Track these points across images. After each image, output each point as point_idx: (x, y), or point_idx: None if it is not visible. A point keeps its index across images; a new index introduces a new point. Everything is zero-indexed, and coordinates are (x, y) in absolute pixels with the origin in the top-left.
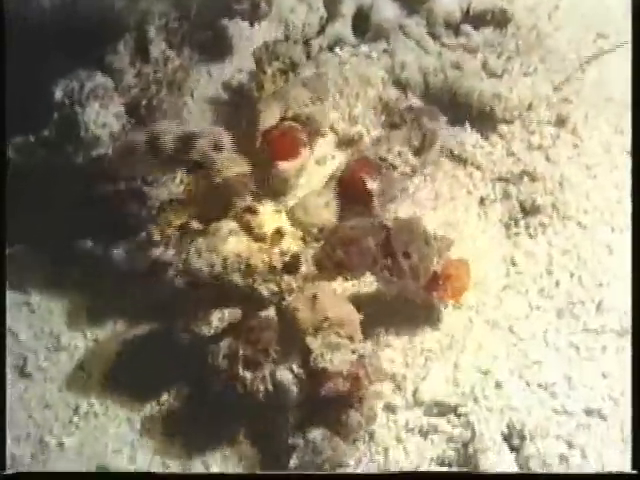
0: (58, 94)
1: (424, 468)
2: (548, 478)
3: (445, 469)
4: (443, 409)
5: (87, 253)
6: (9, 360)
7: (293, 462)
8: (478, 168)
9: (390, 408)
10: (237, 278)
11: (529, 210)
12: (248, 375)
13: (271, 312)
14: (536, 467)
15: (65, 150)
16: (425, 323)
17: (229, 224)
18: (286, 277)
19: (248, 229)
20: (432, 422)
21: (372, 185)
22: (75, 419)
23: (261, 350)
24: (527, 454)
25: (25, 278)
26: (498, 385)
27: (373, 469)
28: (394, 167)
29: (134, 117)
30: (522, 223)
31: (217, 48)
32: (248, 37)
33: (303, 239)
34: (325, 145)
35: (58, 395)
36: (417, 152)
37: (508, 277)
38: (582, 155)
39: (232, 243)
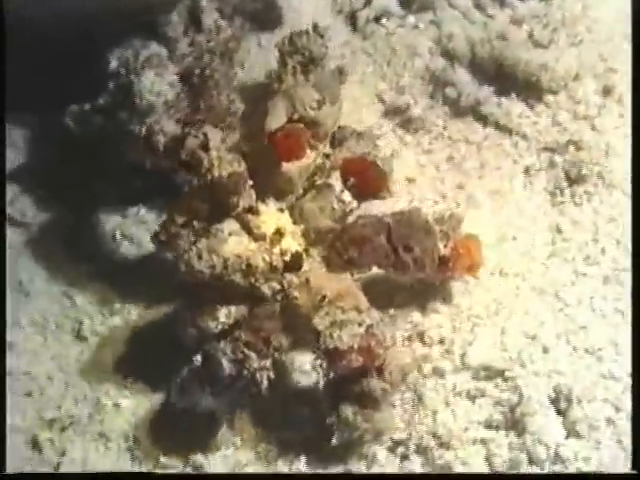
0: (113, 63)
1: (472, 431)
2: (548, 478)
3: (493, 432)
4: (491, 373)
5: (140, 219)
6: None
7: (335, 441)
8: (524, 138)
9: (438, 372)
10: (238, 278)
11: (575, 179)
12: (253, 361)
13: (276, 305)
14: (583, 430)
15: (120, 118)
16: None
17: (230, 225)
18: (288, 276)
19: (249, 229)
20: (480, 386)
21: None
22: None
23: (263, 338)
24: (574, 418)
25: None
26: (545, 350)
27: (422, 431)
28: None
29: (187, 86)
30: (567, 192)
31: (267, 18)
32: (296, 9)
33: (306, 237)
34: (372, 114)
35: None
36: None
37: (554, 245)
38: (628, 124)
39: (232, 244)
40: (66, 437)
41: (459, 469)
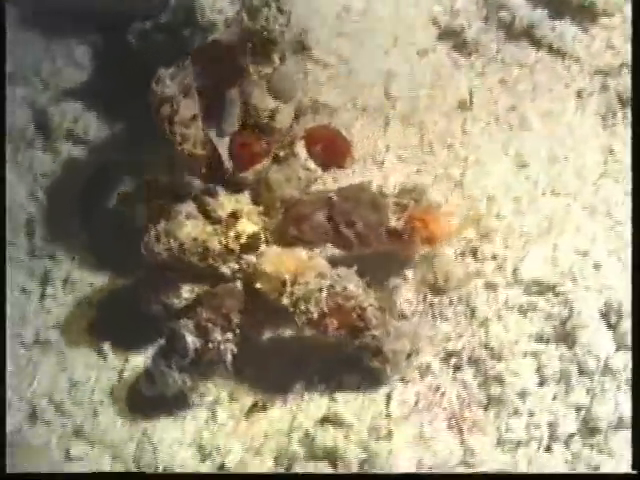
0: None
1: (523, 344)
2: (548, 478)
3: (543, 345)
4: (542, 288)
5: None
6: None
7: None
8: (577, 61)
9: (491, 286)
10: (196, 260)
11: (627, 102)
12: (217, 334)
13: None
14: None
15: (182, 35)
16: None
17: (188, 207)
18: (245, 256)
19: (205, 213)
20: (531, 300)
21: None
22: None
23: (223, 315)
24: (623, 331)
25: None
26: (596, 265)
27: (474, 343)
28: None
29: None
30: (620, 115)
31: None
32: None
33: (266, 215)
34: (427, 38)
35: None
36: None
37: (605, 165)
38: None
39: (189, 227)
40: None
41: (510, 380)
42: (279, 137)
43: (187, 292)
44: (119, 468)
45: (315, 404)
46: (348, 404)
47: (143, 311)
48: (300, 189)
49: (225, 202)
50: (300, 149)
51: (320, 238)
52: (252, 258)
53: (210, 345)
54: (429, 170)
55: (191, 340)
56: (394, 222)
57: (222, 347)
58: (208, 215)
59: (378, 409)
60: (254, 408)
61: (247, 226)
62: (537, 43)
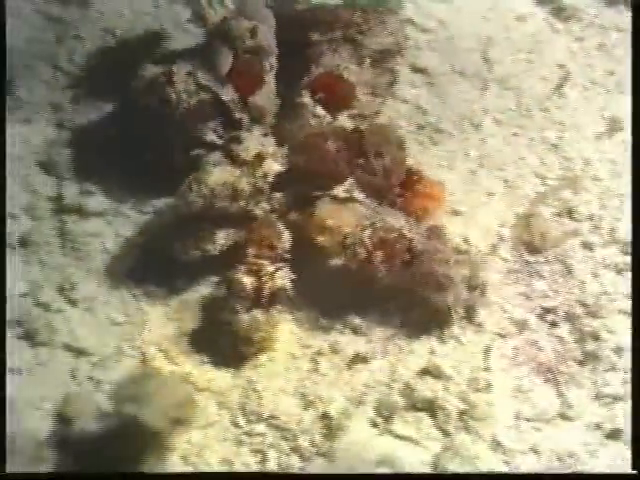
0: None
1: (619, 302)
2: (548, 478)
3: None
4: None
5: None
6: None
7: None
8: None
9: (587, 246)
10: (228, 204)
11: None
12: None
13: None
14: None
15: None
16: None
17: (215, 156)
18: (277, 194)
19: (232, 158)
20: (627, 260)
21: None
22: None
23: (268, 246)
24: None
25: None
26: None
27: (571, 300)
28: None
29: None
30: None
31: None
32: None
33: (289, 158)
34: (525, 3)
35: None
36: None
37: None
38: None
39: (217, 173)
40: None
41: (605, 337)
42: (269, 50)
43: (222, 238)
44: (225, 414)
45: (414, 356)
46: (447, 357)
47: (177, 258)
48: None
49: (250, 145)
50: (306, 98)
51: (331, 169)
52: (284, 197)
53: (264, 279)
54: (525, 133)
55: (246, 280)
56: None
57: (277, 278)
58: (235, 159)
59: (477, 362)
60: (355, 359)
61: (273, 165)
62: (637, 8)
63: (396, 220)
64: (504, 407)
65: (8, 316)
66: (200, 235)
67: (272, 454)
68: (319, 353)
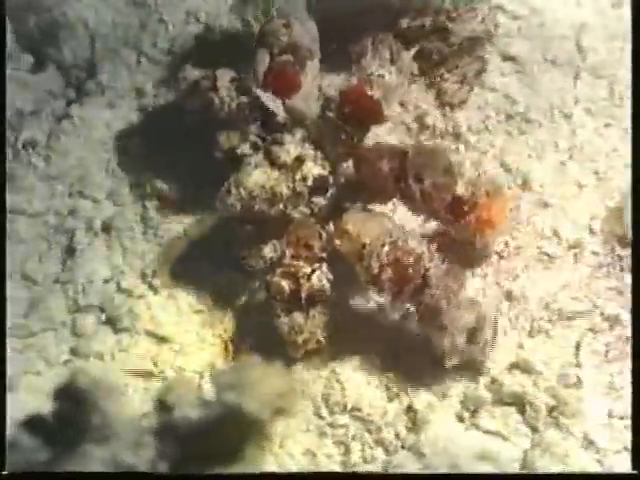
0: None
1: None
2: (548, 478)
3: None
4: None
5: None
6: None
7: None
8: None
9: None
10: (267, 208)
11: None
12: (305, 268)
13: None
14: None
15: None
16: None
17: (256, 158)
18: (315, 199)
19: (271, 160)
20: None
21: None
22: None
23: (305, 245)
24: None
25: None
26: None
27: None
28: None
29: None
30: None
31: None
32: None
33: (330, 162)
34: None
35: None
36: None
37: None
38: None
39: (256, 175)
40: None
41: None
42: (307, 52)
43: (270, 251)
44: (308, 405)
45: (502, 350)
46: (536, 351)
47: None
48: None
49: (290, 148)
50: (333, 112)
51: (380, 187)
52: (323, 201)
53: (302, 281)
54: (618, 124)
55: (285, 283)
56: (461, 190)
57: (315, 277)
58: (274, 162)
59: (567, 358)
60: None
61: (313, 168)
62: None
63: (419, 246)
64: (596, 404)
65: (91, 301)
66: (246, 253)
67: (355, 446)
68: None
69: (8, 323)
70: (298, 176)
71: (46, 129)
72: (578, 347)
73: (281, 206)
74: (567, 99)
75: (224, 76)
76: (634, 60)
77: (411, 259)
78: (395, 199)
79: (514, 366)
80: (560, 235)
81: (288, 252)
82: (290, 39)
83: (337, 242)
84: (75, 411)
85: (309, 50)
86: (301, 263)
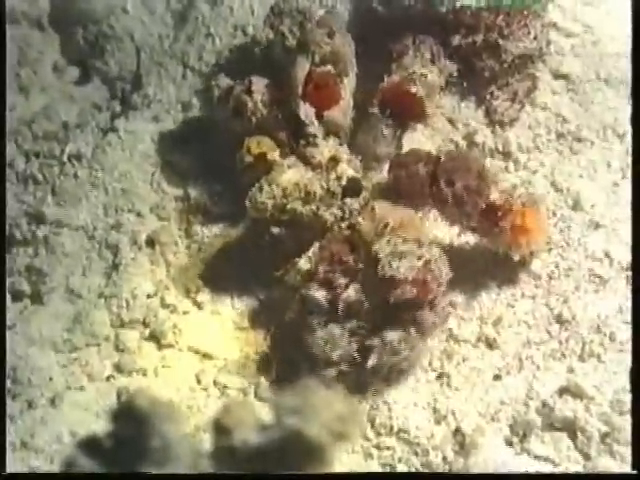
0: None
1: None
2: (548, 478)
3: None
4: None
5: None
6: None
7: (371, 362)
8: None
9: None
10: (299, 207)
11: None
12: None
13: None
14: None
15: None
16: None
17: (290, 160)
18: (348, 201)
19: (306, 160)
20: None
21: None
22: None
23: (338, 261)
24: None
25: None
26: None
27: None
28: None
29: None
30: None
31: None
32: None
33: (364, 166)
34: None
35: None
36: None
37: None
38: None
39: (290, 174)
40: None
41: None
42: (346, 65)
43: (305, 263)
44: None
45: (552, 374)
46: (587, 375)
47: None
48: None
49: (325, 150)
50: (376, 108)
51: (415, 191)
52: (355, 204)
53: (339, 290)
54: None
55: (320, 295)
56: (495, 195)
57: (350, 289)
58: (308, 162)
59: (620, 383)
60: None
61: (347, 170)
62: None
63: (446, 276)
64: None
65: (135, 315)
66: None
67: (402, 468)
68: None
69: (53, 337)
70: (332, 176)
71: (91, 142)
72: (632, 372)
73: (313, 206)
74: (620, 118)
75: (259, 82)
76: (634, 62)
77: (435, 286)
78: (429, 206)
79: (565, 390)
80: (612, 257)
81: (322, 268)
82: (333, 48)
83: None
84: (134, 433)
85: (350, 62)
86: (337, 275)
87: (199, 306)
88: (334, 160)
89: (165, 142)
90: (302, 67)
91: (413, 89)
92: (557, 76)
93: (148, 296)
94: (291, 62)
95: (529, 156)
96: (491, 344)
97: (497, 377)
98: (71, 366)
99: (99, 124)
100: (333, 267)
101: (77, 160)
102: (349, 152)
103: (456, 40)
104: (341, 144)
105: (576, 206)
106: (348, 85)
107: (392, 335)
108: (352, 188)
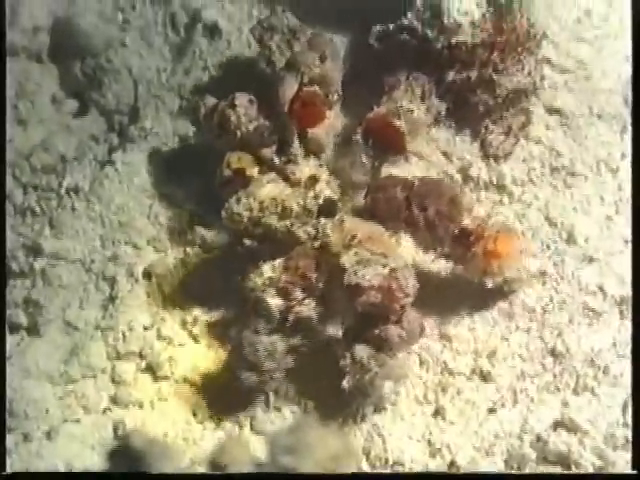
0: None
1: None
2: (548, 478)
3: None
4: None
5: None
6: None
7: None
8: None
9: None
10: (274, 222)
11: None
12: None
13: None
14: None
15: (425, 36)
16: None
17: (270, 175)
18: (322, 220)
19: (285, 176)
20: None
21: (400, 123)
22: None
23: (301, 275)
24: None
25: None
26: None
27: None
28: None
29: (494, 7)
30: None
31: None
32: None
33: (341, 188)
34: None
35: None
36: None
37: None
38: None
39: (269, 188)
40: None
41: None
42: (334, 88)
43: (269, 270)
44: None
45: (547, 407)
46: (582, 409)
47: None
48: (366, 174)
49: (305, 168)
50: (359, 136)
51: (391, 214)
52: (329, 224)
53: (293, 303)
54: None
55: (274, 303)
56: (467, 221)
57: (305, 305)
58: (287, 178)
59: (614, 416)
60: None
61: (325, 190)
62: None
63: (413, 288)
64: None
65: (131, 348)
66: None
67: None
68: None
69: (48, 369)
70: (310, 194)
71: (89, 175)
72: (625, 407)
73: (288, 222)
74: (613, 153)
75: (242, 97)
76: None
77: (401, 295)
78: (403, 231)
79: (559, 424)
80: (605, 290)
81: (284, 277)
82: (322, 71)
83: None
84: (129, 470)
85: (337, 86)
86: (295, 290)
87: (195, 339)
88: (313, 179)
89: (161, 174)
90: (290, 85)
91: (397, 123)
92: (551, 111)
93: (145, 328)
94: (279, 80)
95: (523, 189)
96: (485, 377)
97: (492, 410)
98: (67, 398)
99: (97, 156)
100: (294, 280)
101: (75, 193)
102: (329, 174)
103: (450, 76)
104: (321, 165)
105: (570, 239)
106: (334, 108)
107: (361, 351)
108: (328, 208)
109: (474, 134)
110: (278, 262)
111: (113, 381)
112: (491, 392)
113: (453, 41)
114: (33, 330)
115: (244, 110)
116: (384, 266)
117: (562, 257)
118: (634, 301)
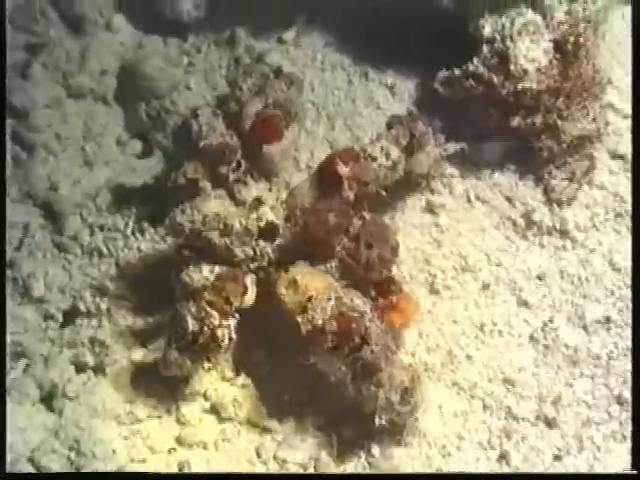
0: (487, 29)
1: None
2: (548, 478)
3: None
4: None
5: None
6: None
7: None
8: None
9: None
10: (215, 237)
11: None
12: (215, 319)
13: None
14: None
15: (491, 82)
16: None
17: (218, 191)
18: (262, 243)
19: (232, 195)
20: None
21: (343, 170)
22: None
23: (224, 298)
24: None
25: None
26: None
27: None
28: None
29: (561, 53)
30: None
31: None
32: None
33: (285, 217)
34: None
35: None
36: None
37: None
38: None
39: (214, 204)
40: None
41: None
42: (294, 113)
43: (208, 271)
44: None
45: (614, 457)
46: None
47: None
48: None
49: (253, 189)
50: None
51: (323, 238)
52: (268, 248)
53: (206, 329)
54: None
55: (190, 322)
56: (395, 271)
57: (219, 332)
58: (234, 197)
59: None
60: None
61: (269, 213)
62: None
63: (363, 305)
64: None
65: (196, 389)
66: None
67: None
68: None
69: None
70: (253, 215)
71: None
72: None
73: (228, 240)
74: None
75: (206, 110)
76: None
77: (355, 314)
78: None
79: None
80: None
81: (207, 295)
82: (287, 96)
83: (282, 291)
84: None
85: (298, 113)
86: (213, 314)
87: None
88: (258, 201)
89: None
90: (254, 105)
91: (343, 169)
92: (614, 156)
93: (208, 369)
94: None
95: (586, 235)
96: (550, 423)
97: (557, 457)
98: (133, 438)
99: None
100: (217, 301)
101: (140, 233)
102: (276, 200)
103: (515, 121)
104: (270, 189)
105: None
106: (292, 132)
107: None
108: (269, 232)
109: (537, 179)
110: (217, 269)
111: (178, 422)
112: (556, 438)
113: (519, 87)
114: (99, 370)
115: (206, 119)
116: (329, 299)
117: (626, 303)
118: None
